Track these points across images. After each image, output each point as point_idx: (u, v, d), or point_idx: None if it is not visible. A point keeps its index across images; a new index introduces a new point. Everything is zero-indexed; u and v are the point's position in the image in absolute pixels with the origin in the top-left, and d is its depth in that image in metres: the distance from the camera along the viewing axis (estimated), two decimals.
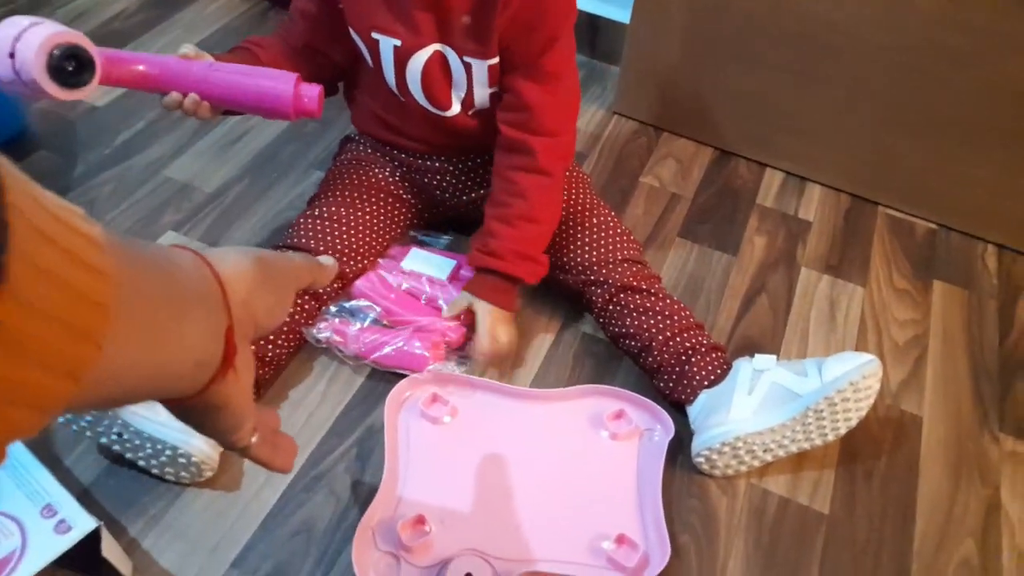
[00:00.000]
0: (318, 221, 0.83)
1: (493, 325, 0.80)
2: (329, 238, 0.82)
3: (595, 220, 0.87)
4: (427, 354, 0.79)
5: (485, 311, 0.80)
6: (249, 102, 0.69)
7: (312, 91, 0.68)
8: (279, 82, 0.67)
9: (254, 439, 0.38)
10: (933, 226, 1.07)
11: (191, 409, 0.34)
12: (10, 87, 0.57)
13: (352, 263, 0.83)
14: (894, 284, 0.99)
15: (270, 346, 0.77)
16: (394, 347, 0.80)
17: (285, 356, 0.80)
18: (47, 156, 1.03)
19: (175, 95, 0.68)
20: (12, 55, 0.55)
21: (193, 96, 0.67)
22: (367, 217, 0.85)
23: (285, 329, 0.78)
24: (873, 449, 0.82)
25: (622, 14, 1.19)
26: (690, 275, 0.98)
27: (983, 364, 0.91)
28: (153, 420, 0.69)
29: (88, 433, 0.70)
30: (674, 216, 1.05)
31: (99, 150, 1.05)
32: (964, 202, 1.05)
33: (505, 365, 0.85)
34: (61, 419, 0.67)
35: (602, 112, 1.20)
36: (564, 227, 0.86)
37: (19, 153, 1.02)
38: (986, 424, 0.85)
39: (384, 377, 0.82)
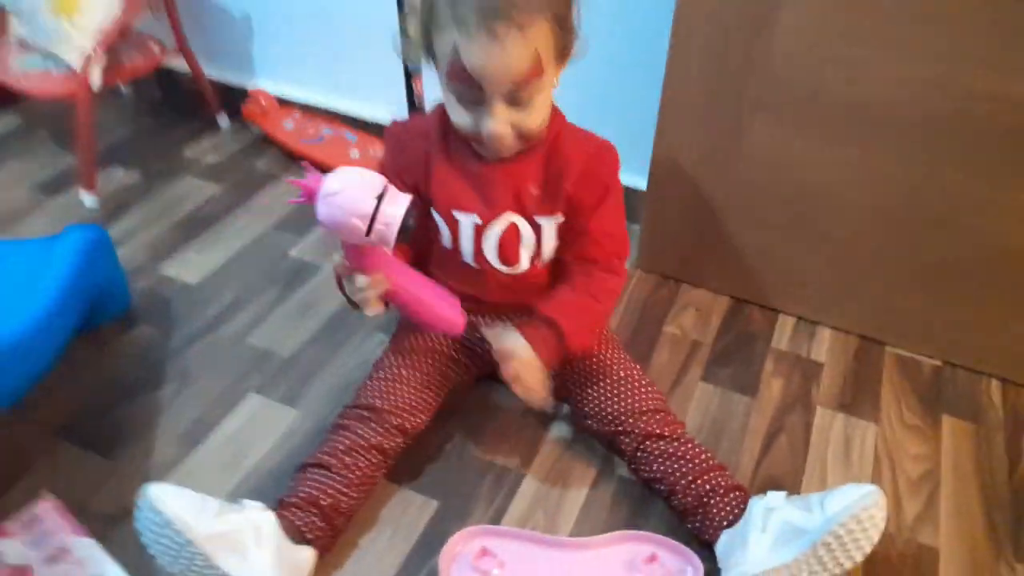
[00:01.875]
0: (382, 382, 0.96)
1: (521, 369, 0.89)
2: (392, 396, 0.95)
3: (622, 374, 0.98)
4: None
5: (523, 351, 0.90)
6: (423, 320, 0.90)
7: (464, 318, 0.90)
8: (455, 314, 0.89)
9: None
10: (938, 363, 1.17)
11: None
12: (342, 234, 0.74)
13: (411, 417, 0.95)
14: (905, 420, 1.08)
15: (343, 498, 0.88)
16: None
17: (359, 507, 0.91)
18: (148, 330, 1.20)
19: (367, 279, 0.81)
20: (373, 219, 0.71)
21: (379, 291, 0.83)
22: (425, 376, 0.98)
23: (357, 482, 0.89)
24: None
25: (639, 181, 1.35)
26: (713, 418, 1.08)
27: (995, 495, 0.98)
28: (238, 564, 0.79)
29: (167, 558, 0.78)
30: (696, 362, 1.17)
31: (192, 322, 1.21)
32: (965, 340, 1.14)
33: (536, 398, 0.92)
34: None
35: (628, 268, 1.34)
36: (593, 380, 0.98)
37: (125, 327, 1.20)
38: (1001, 555, 0.91)
39: (440, 526, 0.92)
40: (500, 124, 0.82)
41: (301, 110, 1.68)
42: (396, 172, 0.93)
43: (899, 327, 1.18)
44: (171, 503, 0.77)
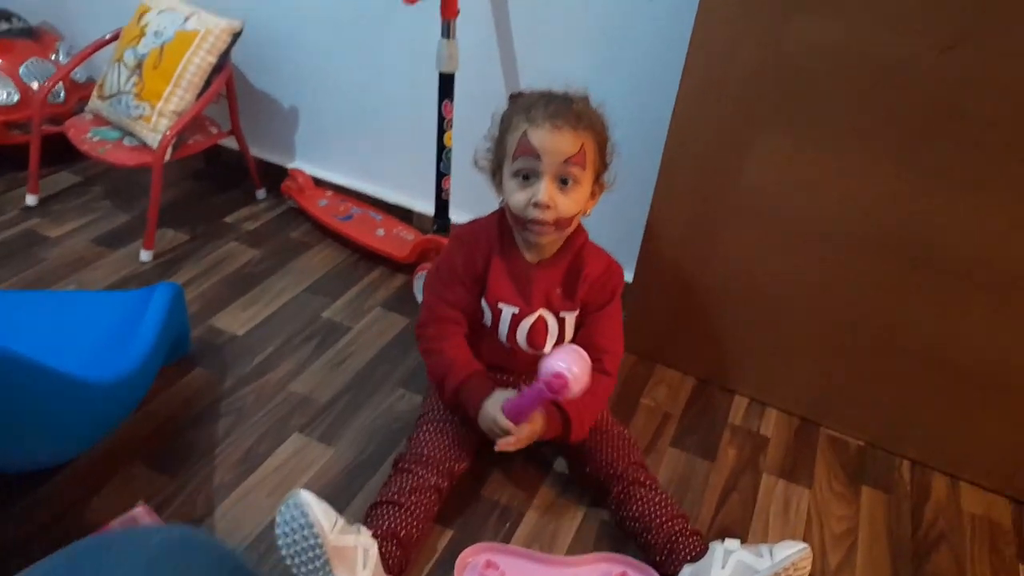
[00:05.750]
0: (431, 435, 1.16)
1: (533, 433, 1.12)
2: (441, 446, 1.15)
3: (616, 431, 1.22)
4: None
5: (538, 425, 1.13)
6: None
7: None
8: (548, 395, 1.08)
9: None
10: (862, 444, 1.42)
11: None
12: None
13: (458, 463, 1.15)
14: (832, 488, 1.32)
15: (414, 531, 1.05)
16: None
17: (424, 538, 1.10)
18: (203, 372, 1.40)
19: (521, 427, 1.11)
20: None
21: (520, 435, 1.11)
22: (464, 428, 1.18)
23: (422, 516, 1.06)
24: None
25: (627, 275, 1.61)
26: (680, 476, 1.31)
27: (900, 551, 1.22)
28: None
29: None
30: (667, 430, 1.40)
31: (242, 368, 1.42)
32: (885, 427, 1.40)
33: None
34: None
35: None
36: (595, 435, 1.20)
37: (184, 369, 1.39)
38: None
39: (455, 550, 1.12)
40: (546, 195, 1.06)
41: (333, 190, 1.93)
42: (462, 264, 1.18)
43: (832, 412, 1.44)
44: (315, 509, 0.94)
